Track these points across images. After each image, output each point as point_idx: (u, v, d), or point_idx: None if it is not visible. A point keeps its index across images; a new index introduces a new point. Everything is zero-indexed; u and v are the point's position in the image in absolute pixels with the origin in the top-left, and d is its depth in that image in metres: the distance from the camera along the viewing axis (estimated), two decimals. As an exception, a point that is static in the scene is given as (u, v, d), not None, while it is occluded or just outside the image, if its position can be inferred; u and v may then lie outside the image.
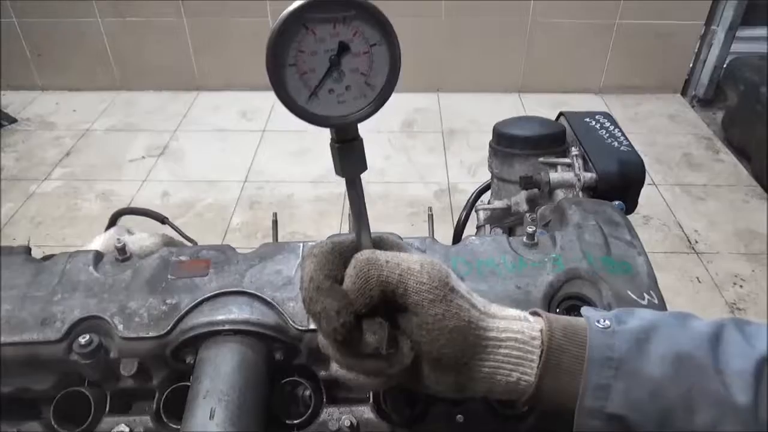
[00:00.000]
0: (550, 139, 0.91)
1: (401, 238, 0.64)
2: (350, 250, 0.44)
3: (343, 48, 0.34)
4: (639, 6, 2.92)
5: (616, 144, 0.89)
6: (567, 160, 0.88)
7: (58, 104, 3.08)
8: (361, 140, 0.39)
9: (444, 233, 2.16)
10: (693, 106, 3.14)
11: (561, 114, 0.99)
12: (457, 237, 1.03)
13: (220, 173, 2.52)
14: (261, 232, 2.22)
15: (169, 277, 0.64)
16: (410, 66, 3.06)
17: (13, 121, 2.90)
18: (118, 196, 2.41)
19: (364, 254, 0.42)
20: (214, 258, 0.67)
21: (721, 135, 2.87)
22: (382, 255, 0.42)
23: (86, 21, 2.98)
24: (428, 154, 2.69)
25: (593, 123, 0.94)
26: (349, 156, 0.40)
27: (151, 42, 3.00)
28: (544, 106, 3.07)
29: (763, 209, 2.37)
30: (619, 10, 2.94)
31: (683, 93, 3.21)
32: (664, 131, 2.90)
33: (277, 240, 0.96)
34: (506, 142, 0.92)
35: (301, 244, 0.68)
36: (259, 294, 0.61)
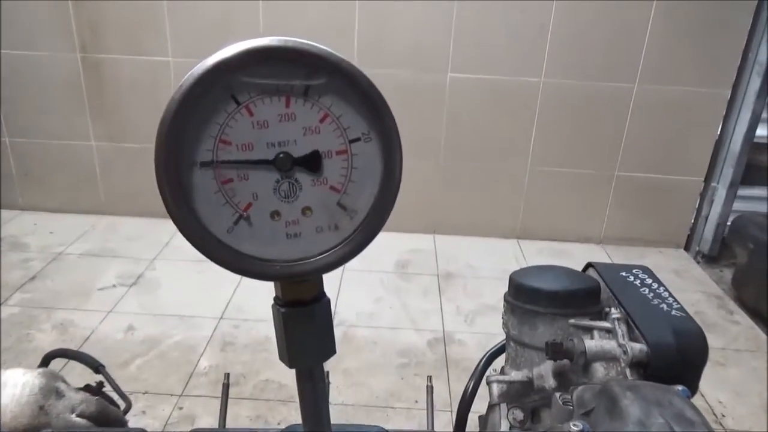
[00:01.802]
0: (583, 296, 0.73)
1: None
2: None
3: (303, 143, 0.19)
4: (637, 159, 2.92)
5: (665, 307, 0.71)
6: (606, 324, 0.70)
7: (36, 225, 2.94)
8: (326, 301, 0.22)
9: (438, 395, 1.89)
10: (698, 262, 3.02)
11: (590, 265, 0.82)
12: (462, 420, 0.80)
13: (194, 308, 2.31)
14: (230, 379, 1.95)
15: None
16: (407, 206, 2.97)
17: (-16, 240, 2.74)
18: (77, 327, 2.17)
19: None
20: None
21: (732, 294, 2.73)
22: None
23: (81, 144, 2.94)
24: (422, 299, 2.50)
25: (631, 278, 0.77)
26: (303, 329, 0.22)
27: (143, 168, 2.94)
28: (545, 254, 2.96)
29: (788, 379, 2.14)
30: (618, 163, 2.94)
31: (686, 248, 3.12)
32: (671, 288, 2.73)
33: (225, 408, 0.74)
34: (527, 297, 0.74)
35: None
36: None
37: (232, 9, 2.68)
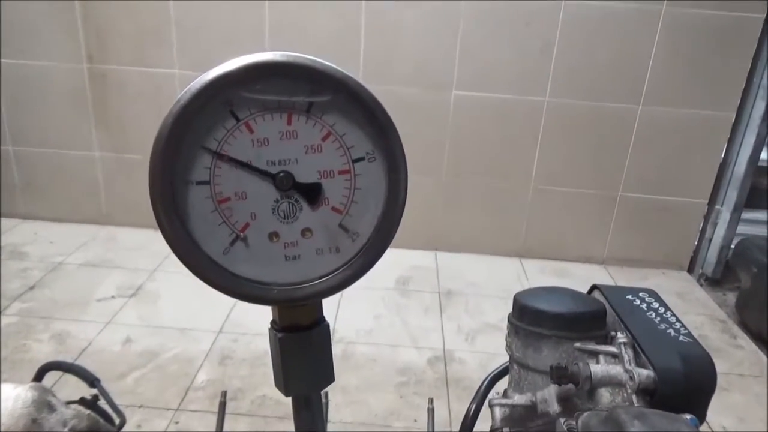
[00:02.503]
0: (589, 320, 0.71)
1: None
2: None
3: (304, 161, 0.18)
4: (641, 180, 2.92)
5: (672, 332, 0.70)
6: (612, 349, 0.68)
7: (36, 234, 2.93)
8: (326, 326, 0.21)
9: (438, 415, 1.86)
10: (701, 285, 3.00)
11: (595, 287, 0.80)
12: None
13: (193, 321, 2.29)
14: (228, 394, 1.93)
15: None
16: (408, 222, 2.97)
17: (-16, 248, 2.73)
18: (74, 338, 2.15)
19: None
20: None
21: (736, 318, 2.70)
22: None
23: (84, 154, 2.95)
24: (423, 316, 2.48)
25: (638, 302, 0.76)
26: (300, 356, 0.21)
27: (145, 180, 2.93)
28: (547, 273, 2.94)
29: (793, 405, 2.11)
30: (621, 183, 2.93)
31: (689, 270, 3.09)
32: (674, 310, 2.71)
33: (222, 426, 0.72)
34: (532, 319, 0.73)
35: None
36: None
37: (239, 24, 2.70)
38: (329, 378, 0.21)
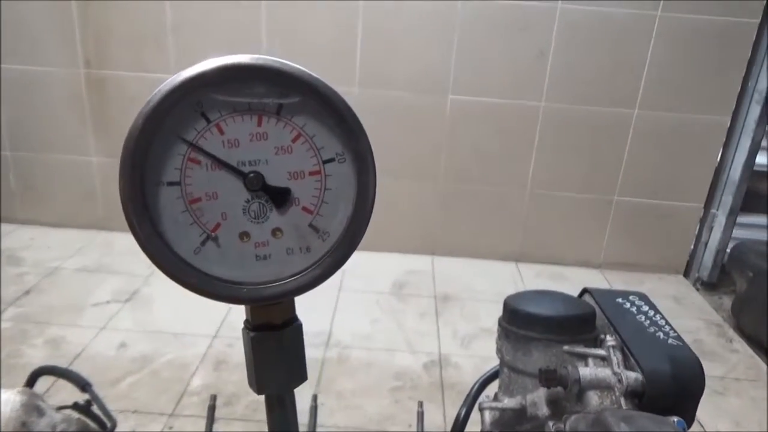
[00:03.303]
0: (579, 323, 0.71)
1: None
2: None
3: (274, 162, 0.18)
4: (637, 184, 2.92)
5: (661, 335, 0.70)
6: (601, 352, 0.68)
7: (33, 239, 2.93)
8: (298, 326, 0.21)
9: (432, 420, 1.86)
10: (698, 289, 3.00)
11: (586, 290, 0.81)
12: (454, 446, 0.78)
13: (188, 326, 2.28)
14: (222, 398, 1.93)
15: None
16: (405, 227, 2.97)
17: (-20, 253, 2.72)
18: (69, 343, 2.15)
19: None
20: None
21: (732, 322, 2.70)
22: None
23: (82, 159, 2.95)
24: (419, 320, 2.48)
25: (627, 305, 0.76)
26: (272, 355, 0.21)
27: (142, 184, 2.94)
28: (543, 278, 2.94)
29: (789, 409, 2.11)
30: (617, 188, 2.94)
31: (686, 274, 3.10)
32: (670, 314, 2.70)
33: (210, 429, 0.72)
34: (522, 322, 0.73)
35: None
36: None
37: (236, 29, 2.71)
38: (302, 377, 0.21)
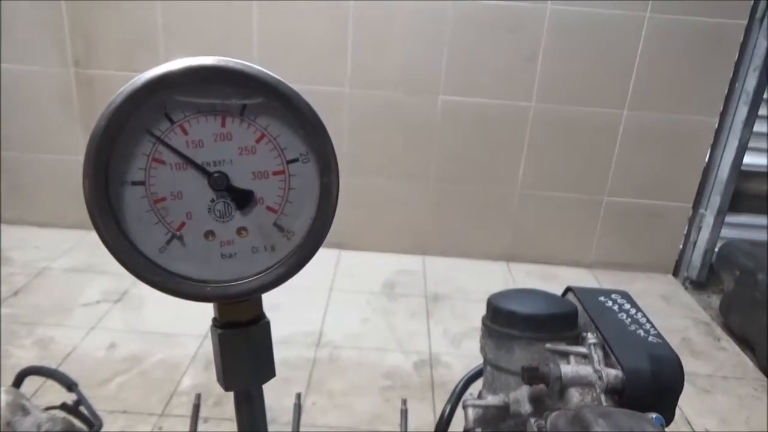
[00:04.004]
0: (561, 321, 0.72)
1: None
2: None
3: (238, 162, 0.18)
4: (626, 185, 2.94)
5: (641, 333, 0.71)
6: (582, 350, 0.69)
7: (21, 239, 2.91)
8: (266, 323, 0.22)
9: (423, 418, 1.87)
10: (686, 288, 3.03)
11: (569, 289, 0.82)
12: (438, 442, 0.79)
13: (178, 326, 2.28)
14: (213, 398, 1.93)
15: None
16: (396, 227, 2.97)
17: (-32, 253, 2.71)
18: (58, 344, 2.14)
19: None
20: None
21: (720, 321, 2.73)
22: None
23: (70, 159, 2.93)
24: (410, 320, 2.48)
25: (609, 303, 0.77)
26: (239, 352, 0.22)
27: (132, 184, 2.93)
28: (534, 277, 2.95)
29: (775, 407, 2.14)
30: (607, 188, 2.96)
31: (675, 274, 3.12)
32: (659, 313, 2.74)
33: (195, 428, 0.72)
34: (504, 321, 0.74)
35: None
36: None
37: (227, 29, 2.70)
38: (269, 374, 0.22)
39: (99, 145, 0.17)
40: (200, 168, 0.18)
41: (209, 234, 0.20)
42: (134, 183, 0.19)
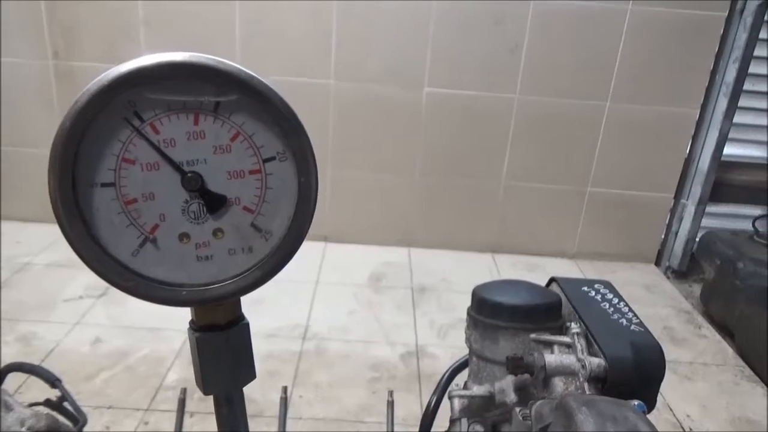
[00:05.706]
0: (545, 311, 0.73)
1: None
2: None
3: (213, 162, 0.18)
4: (609, 176, 2.97)
5: (624, 322, 0.72)
6: (566, 339, 0.70)
7: (2, 234, 2.86)
8: (245, 325, 0.21)
9: (409, 409, 1.88)
10: (668, 278, 3.07)
11: (553, 279, 0.82)
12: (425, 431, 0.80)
13: (163, 320, 2.26)
14: (198, 393, 1.91)
15: None
16: (381, 219, 2.97)
17: (-53, 249, 2.66)
18: (41, 339, 2.12)
19: None
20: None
21: (700, 309, 2.77)
22: None
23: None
24: (396, 312, 2.49)
25: (592, 293, 0.78)
26: (218, 355, 0.21)
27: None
28: (519, 268, 2.98)
29: (753, 392, 2.18)
30: (590, 179, 2.98)
31: (657, 263, 3.17)
32: (641, 302, 2.78)
33: (181, 423, 0.72)
34: (489, 311, 0.74)
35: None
36: None
37: (209, 23, 2.67)
38: (250, 376, 0.21)
39: (63, 147, 0.17)
40: (174, 164, 0.18)
41: (184, 236, 0.19)
42: (104, 185, 0.18)
